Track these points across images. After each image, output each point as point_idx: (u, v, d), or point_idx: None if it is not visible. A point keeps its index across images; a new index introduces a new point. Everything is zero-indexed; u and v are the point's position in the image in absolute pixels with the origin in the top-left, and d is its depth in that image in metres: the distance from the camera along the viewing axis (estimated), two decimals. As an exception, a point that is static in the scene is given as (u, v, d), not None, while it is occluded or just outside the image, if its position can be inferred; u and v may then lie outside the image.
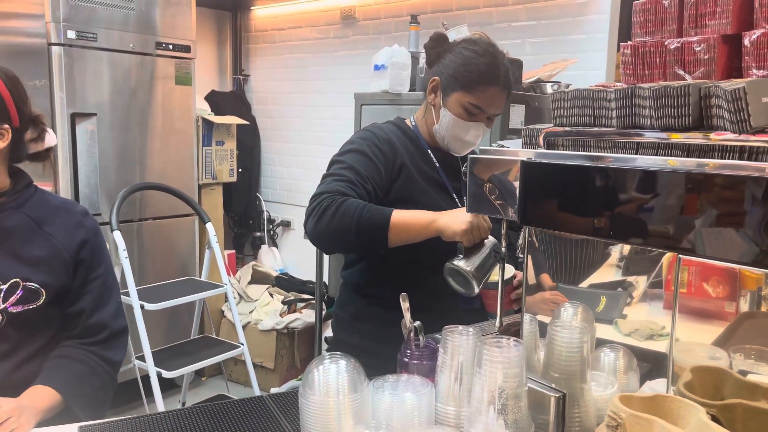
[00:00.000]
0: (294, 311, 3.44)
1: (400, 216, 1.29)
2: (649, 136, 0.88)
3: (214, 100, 3.90)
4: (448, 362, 1.02)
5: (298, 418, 1.14)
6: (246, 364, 2.80)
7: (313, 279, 3.34)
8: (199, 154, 3.37)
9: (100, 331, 1.31)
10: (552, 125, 1.00)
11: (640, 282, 1.13)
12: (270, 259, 4.04)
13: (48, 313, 1.25)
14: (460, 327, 1.03)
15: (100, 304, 1.32)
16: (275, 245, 4.16)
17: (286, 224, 4.11)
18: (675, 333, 1.02)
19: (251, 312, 3.45)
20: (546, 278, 1.19)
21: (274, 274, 3.79)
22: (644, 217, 0.83)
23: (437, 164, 1.51)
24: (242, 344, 2.77)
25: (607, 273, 1.17)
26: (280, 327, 3.31)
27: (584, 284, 1.18)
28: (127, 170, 2.97)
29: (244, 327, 3.27)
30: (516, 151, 1.02)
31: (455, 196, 1.50)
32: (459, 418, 1.01)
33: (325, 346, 3.26)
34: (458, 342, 1.02)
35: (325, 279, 3.21)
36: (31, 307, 1.21)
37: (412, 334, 1.10)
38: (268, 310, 3.44)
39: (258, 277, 3.72)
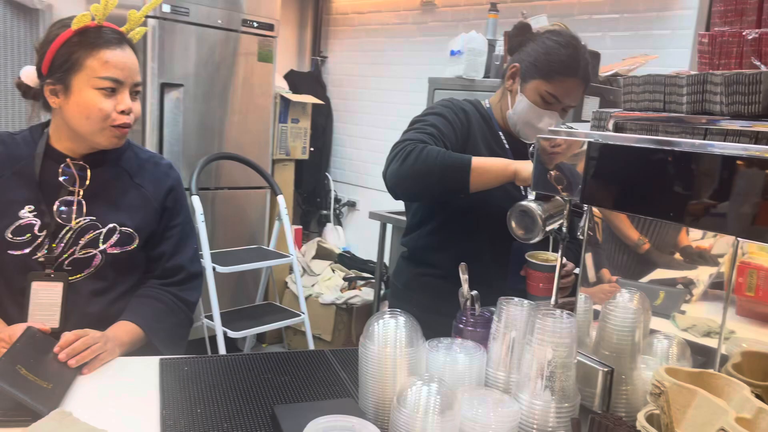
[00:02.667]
0: (354, 288, 3.54)
1: (479, 160, 1.36)
2: (730, 123, 0.89)
3: (292, 79, 4.03)
4: (501, 330, 1.07)
5: (356, 370, 1.21)
6: (305, 334, 2.92)
7: (374, 259, 3.43)
8: (275, 130, 3.50)
9: (177, 273, 1.42)
10: (622, 110, 1.03)
11: (701, 281, 1.14)
12: (334, 237, 4.16)
13: (138, 255, 1.38)
14: (516, 299, 1.07)
15: (178, 249, 1.43)
16: (340, 224, 4.27)
17: (352, 204, 4.21)
18: (739, 335, 1.03)
19: (313, 285, 3.58)
20: (606, 273, 1.21)
21: (338, 251, 3.90)
22: (707, 200, 0.85)
23: (507, 146, 1.55)
24: (303, 313, 2.89)
25: (667, 271, 1.18)
26: (340, 302, 3.42)
27: (644, 279, 1.19)
28: (207, 140, 3.13)
29: (305, 299, 3.40)
30: (583, 132, 1.05)
31: None
32: (508, 383, 1.06)
33: (381, 323, 3.35)
34: (513, 312, 1.06)
35: (386, 260, 3.29)
36: (126, 249, 1.34)
37: (468, 303, 1.15)
38: (329, 285, 3.56)
39: (322, 253, 3.84)
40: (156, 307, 1.37)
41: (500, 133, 1.56)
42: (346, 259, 3.79)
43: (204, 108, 3.10)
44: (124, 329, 1.30)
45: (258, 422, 1.00)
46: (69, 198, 1.30)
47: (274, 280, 3.36)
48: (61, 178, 1.31)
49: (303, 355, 1.28)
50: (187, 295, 1.43)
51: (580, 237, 1.18)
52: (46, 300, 1.27)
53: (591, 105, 2.29)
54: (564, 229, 1.17)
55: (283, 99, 3.54)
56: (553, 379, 0.96)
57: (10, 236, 1.27)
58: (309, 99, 3.68)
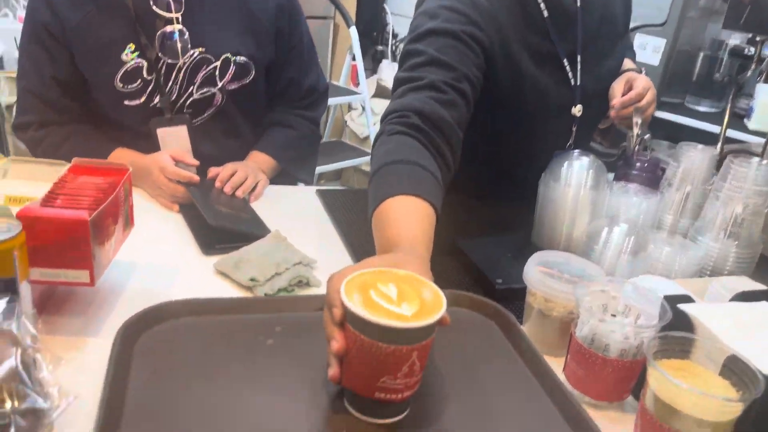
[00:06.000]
0: (416, 129, 3.49)
1: (380, 216, 0.80)
2: None
3: None
4: (679, 175, 1.05)
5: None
6: (365, 173, 2.92)
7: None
8: (339, -47, 3.24)
9: (309, 95, 1.37)
10: None
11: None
12: (389, 75, 4.03)
13: (259, 85, 1.29)
14: (699, 145, 1.04)
15: (306, 70, 1.34)
16: (396, 62, 4.12)
17: (410, 41, 4.02)
18: None
19: (374, 124, 3.53)
20: None
21: (396, 90, 3.79)
22: None
23: (545, 13, 1.09)
24: (374, 152, 2.88)
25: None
26: (402, 142, 3.39)
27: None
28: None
29: (365, 139, 3.38)
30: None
31: (566, 62, 1.14)
32: (676, 227, 1.06)
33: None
34: (693, 155, 1.04)
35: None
36: (244, 82, 1.25)
37: (637, 148, 1.12)
38: (390, 125, 3.51)
39: (381, 92, 3.74)
40: (287, 134, 1.33)
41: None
42: (406, 99, 3.70)
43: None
44: (261, 159, 1.29)
45: (439, 254, 1.02)
46: (168, 29, 1.16)
47: (337, 118, 3.31)
48: (154, 6, 1.14)
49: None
50: (316, 113, 1.39)
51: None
52: (176, 144, 1.21)
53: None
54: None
55: None
56: (741, 226, 0.96)
57: (121, 85, 1.16)
58: None
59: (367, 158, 2.89)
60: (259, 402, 0.62)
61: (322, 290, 0.88)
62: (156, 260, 0.93)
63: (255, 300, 0.81)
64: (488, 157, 1.19)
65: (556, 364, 0.75)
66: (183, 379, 0.65)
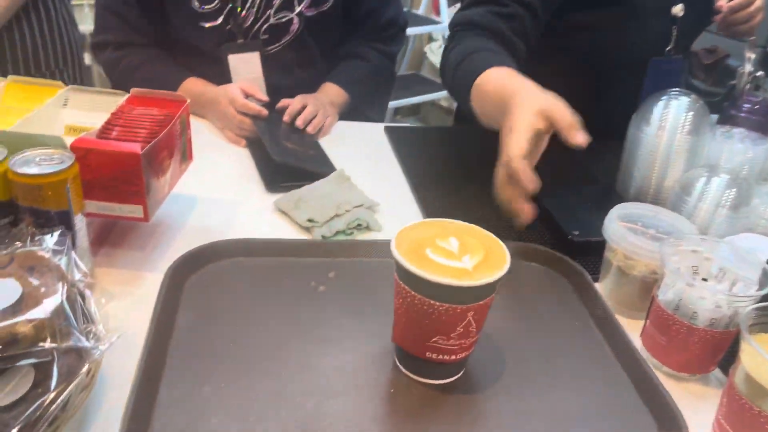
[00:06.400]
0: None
1: (479, 88, 0.82)
2: None
3: None
4: (797, 119, 0.91)
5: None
6: (442, 107, 2.81)
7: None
8: None
9: (388, 29, 1.31)
10: None
11: None
12: (474, 5, 3.82)
13: (336, 14, 1.25)
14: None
15: (386, 0, 1.30)
16: (481, -11, 3.89)
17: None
18: None
19: (455, 57, 3.38)
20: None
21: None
22: None
23: None
24: (453, 86, 2.77)
25: None
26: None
27: None
28: None
29: (445, 71, 3.24)
30: None
31: None
32: (787, 180, 0.94)
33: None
34: (817, 99, 0.90)
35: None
36: (322, 9, 1.21)
37: (748, 87, 0.99)
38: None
39: (463, 22, 3.57)
40: (362, 68, 1.28)
41: None
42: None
43: None
44: (333, 92, 1.24)
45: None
46: None
47: (416, 49, 3.19)
48: None
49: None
50: (394, 48, 1.34)
51: None
52: (248, 75, 1.18)
53: None
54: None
55: None
56: None
57: (198, 4, 1.14)
58: None
59: (446, 93, 2.78)
60: (304, 353, 0.60)
61: (382, 235, 0.84)
62: (219, 196, 0.91)
63: (309, 243, 0.78)
64: (576, 70, 1.09)
65: (633, 328, 0.68)
66: (229, 321, 0.63)
